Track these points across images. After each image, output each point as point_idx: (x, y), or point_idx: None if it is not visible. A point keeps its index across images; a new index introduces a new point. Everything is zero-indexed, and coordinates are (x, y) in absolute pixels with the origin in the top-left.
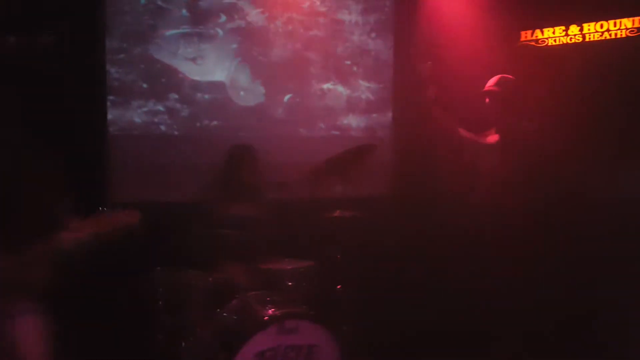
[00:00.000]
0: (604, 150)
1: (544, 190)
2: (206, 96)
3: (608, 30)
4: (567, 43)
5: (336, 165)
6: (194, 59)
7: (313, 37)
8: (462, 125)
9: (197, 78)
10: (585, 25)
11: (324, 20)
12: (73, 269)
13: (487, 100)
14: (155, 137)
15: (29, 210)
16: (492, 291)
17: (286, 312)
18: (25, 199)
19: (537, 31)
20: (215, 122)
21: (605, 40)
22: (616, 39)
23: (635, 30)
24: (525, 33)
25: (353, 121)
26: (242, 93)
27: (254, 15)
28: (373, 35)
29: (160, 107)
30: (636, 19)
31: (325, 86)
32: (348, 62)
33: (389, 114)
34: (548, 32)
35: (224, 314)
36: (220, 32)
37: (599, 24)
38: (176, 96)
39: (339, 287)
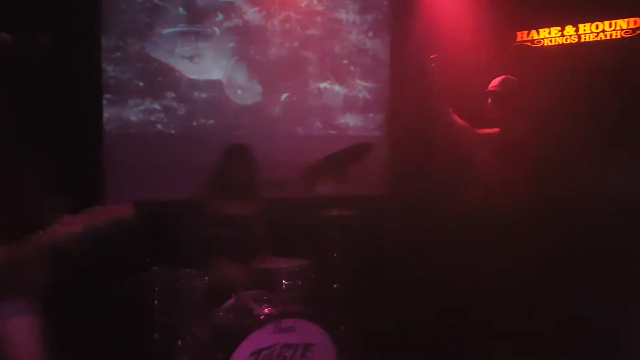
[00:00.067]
0: (598, 150)
1: (541, 190)
2: (203, 95)
3: (603, 31)
4: (563, 44)
5: (333, 164)
6: (190, 58)
7: (310, 36)
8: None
9: (193, 77)
10: (580, 26)
11: (321, 19)
12: (68, 266)
13: (489, 100)
14: (151, 136)
15: (23, 209)
16: (490, 290)
17: (282, 311)
18: (20, 198)
19: (533, 32)
20: (212, 121)
21: (601, 40)
22: (611, 40)
23: (630, 31)
24: (521, 33)
25: (350, 120)
26: (239, 92)
27: (251, 14)
28: (370, 34)
29: (157, 106)
30: (631, 20)
31: (323, 85)
32: (345, 61)
33: (386, 113)
34: (544, 32)
35: (220, 313)
36: (217, 30)
37: (594, 24)
38: (173, 95)
39: (335, 285)
